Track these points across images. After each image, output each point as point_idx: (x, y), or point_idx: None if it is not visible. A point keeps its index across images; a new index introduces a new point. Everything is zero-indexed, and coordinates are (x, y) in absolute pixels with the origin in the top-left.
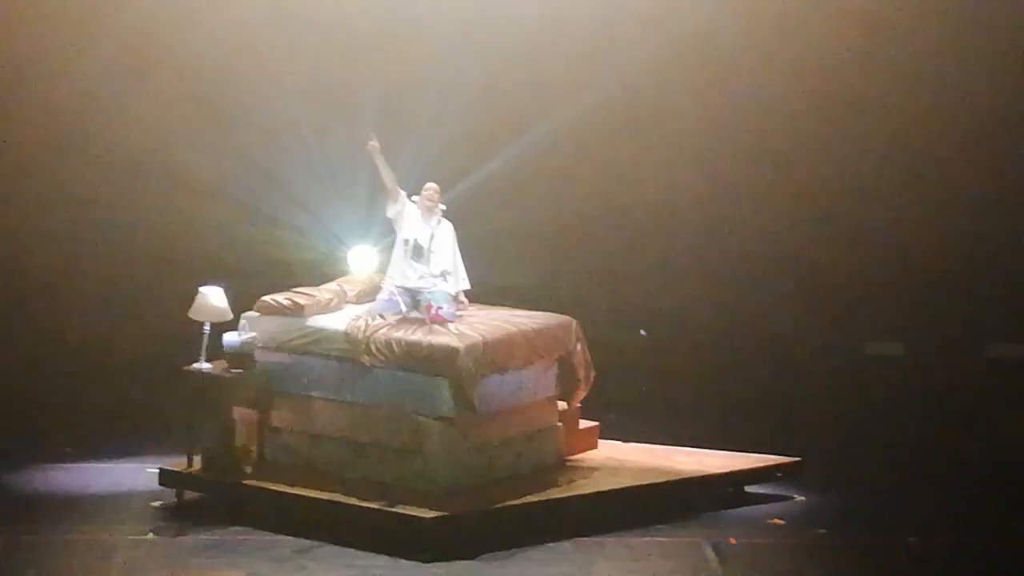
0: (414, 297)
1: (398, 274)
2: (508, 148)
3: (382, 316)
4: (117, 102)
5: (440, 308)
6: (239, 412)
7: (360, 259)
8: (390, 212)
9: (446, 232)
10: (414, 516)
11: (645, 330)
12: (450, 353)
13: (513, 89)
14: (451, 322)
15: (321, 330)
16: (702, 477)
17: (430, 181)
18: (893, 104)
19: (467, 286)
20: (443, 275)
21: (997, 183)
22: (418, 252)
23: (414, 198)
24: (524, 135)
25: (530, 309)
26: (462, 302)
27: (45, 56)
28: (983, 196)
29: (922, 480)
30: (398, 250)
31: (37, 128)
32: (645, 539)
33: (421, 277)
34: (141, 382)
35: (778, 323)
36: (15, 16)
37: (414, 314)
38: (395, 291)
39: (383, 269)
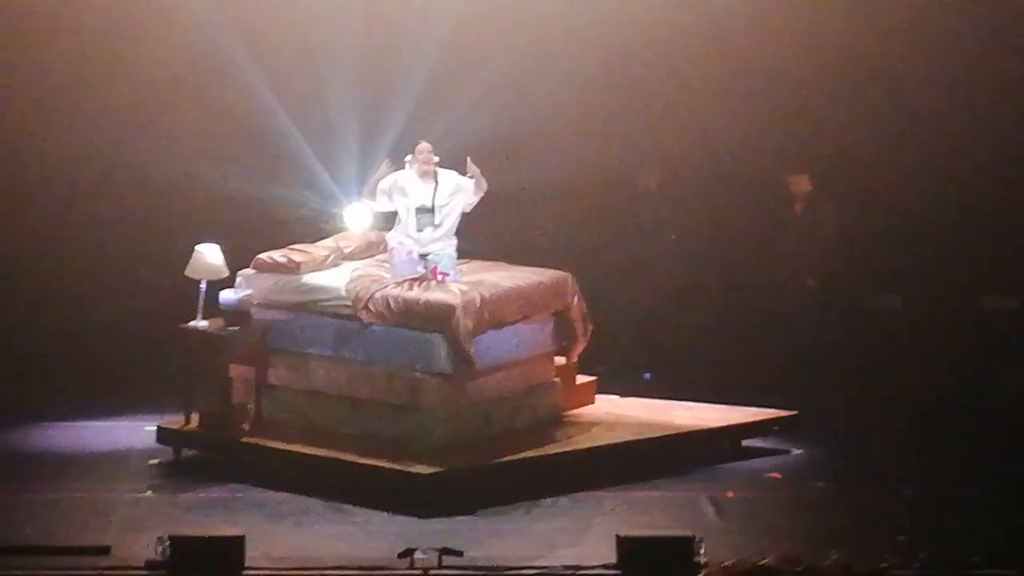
0: (424, 258)
1: (412, 240)
2: (510, 109)
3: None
4: (111, 60)
5: (446, 275)
6: (236, 370)
7: (356, 215)
8: (377, 205)
9: (447, 183)
10: (412, 472)
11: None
12: (446, 309)
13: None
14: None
15: (318, 287)
16: (700, 431)
17: (423, 141)
18: (887, 59)
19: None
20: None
21: (995, 135)
22: (426, 214)
23: (408, 159)
24: (526, 97)
25: (528, 265)
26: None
27: (39, 15)
28: (979, 148)
29: (919, 433)
30: (406, 216)
31: (31, 88)
32: (643, 494)
33: (432, 242)
34: (138, 340)
35: (775, 277)
36: None
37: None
38: (413, 253)
39: (379, 226)
